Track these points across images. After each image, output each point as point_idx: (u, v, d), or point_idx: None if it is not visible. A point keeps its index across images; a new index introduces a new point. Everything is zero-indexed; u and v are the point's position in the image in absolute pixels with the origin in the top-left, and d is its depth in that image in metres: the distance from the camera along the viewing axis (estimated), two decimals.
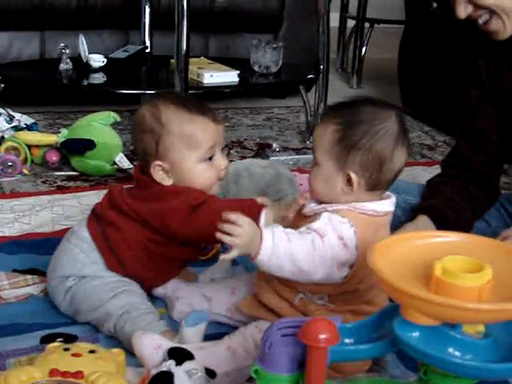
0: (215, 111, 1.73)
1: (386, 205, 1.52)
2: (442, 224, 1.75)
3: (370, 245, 1.40)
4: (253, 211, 1.60)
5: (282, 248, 1.41)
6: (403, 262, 1.20)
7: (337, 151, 1.48)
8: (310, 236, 1.44)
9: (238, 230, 1.40)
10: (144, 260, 1.72)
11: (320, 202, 1.54)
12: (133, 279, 1.73)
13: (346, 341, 1.26)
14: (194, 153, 1.68)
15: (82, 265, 1.72)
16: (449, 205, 1.86)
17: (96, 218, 1.75)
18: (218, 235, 1.41)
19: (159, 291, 1.81)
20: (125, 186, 1.79)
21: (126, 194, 1.74)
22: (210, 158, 1.70)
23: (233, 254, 1.42)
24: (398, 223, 1.87)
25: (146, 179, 1.72)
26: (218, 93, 3.34)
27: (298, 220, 1.56)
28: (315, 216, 1.51)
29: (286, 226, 1.50)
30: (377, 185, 1.50)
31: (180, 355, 1.46)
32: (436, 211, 1.84)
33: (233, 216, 1.41)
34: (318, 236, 1.44)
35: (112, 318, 1.66)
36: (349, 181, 1.48)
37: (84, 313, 1.71)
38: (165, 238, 1.69)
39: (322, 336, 1.18)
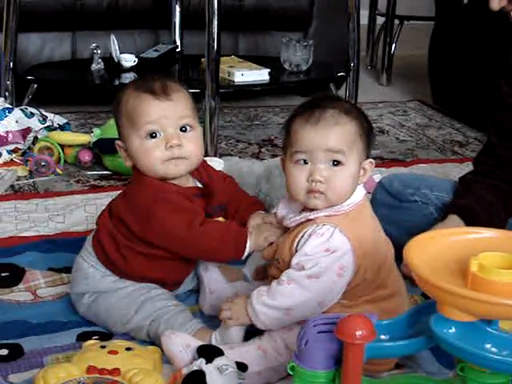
0: (172, 87, 1.65)
1: (361, 190, 1.55)
2: (472, 223, 1.74)
3: (359, 236, 1.48)
4: (239, 240, 1.64)
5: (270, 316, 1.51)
6: (439, 258, 1.19)
7: (361, 144, 1.50)
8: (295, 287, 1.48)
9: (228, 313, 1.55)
10: (144, 264, 1.69)
11: (302, 210, 1.55)
12: (148, 282, 1.71)
13: (382, 337, 1.26)
14: (135, 129, 1.64)
15: (94, 279, 1.71)
16: (480, 204, 1.85)
17: (96, 228, 1.75)
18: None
19: (200, 272, 1.80)
20: None
21: (120, 195, 1.74)
22: (153, 136, 1.63)
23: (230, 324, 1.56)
24: (431, 220, 1.87)
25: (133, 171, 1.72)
26: (249, 91, 3.34)
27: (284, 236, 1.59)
28: (300, 228, 1.52)
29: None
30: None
31: (209, 352, 1.46)
32: (466, 211, 1.83)
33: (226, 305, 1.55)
34: (312, 280, 1.47)
35: (143, 329, 1.65)
36: (363, 170, 1.53)
37: (112, 328, 1.69)
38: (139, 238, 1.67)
39: (359, 332, 1.18)
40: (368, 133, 1.53)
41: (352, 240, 1.47)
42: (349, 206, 1.51)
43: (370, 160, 1.54)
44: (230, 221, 1.74)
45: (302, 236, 1.51)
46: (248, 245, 1.64)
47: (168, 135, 1.64)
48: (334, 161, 1.48)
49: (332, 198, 1.49)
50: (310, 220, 1.51)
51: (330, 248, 1.47)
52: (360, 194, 1.54)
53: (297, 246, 1.51)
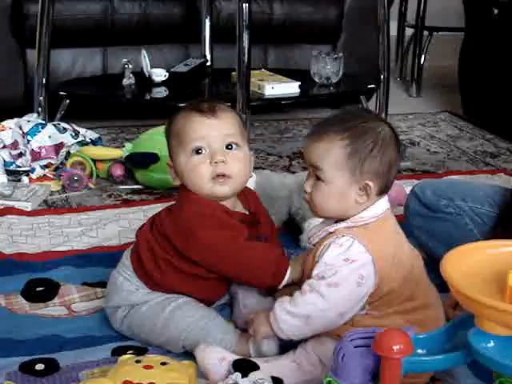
0: (220, 107, 1.69)
1: (383, 204, 1.55)
2: None
3: (379, 247, 1.49)
4: (280, 265, 1.66)
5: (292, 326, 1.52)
6: (476, 271, 1.19)
7: (350, 164, 1.50)
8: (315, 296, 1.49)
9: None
10: (179, 280, 1.69)
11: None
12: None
13: (419, 351, 1.25)
14: (182, 147, 1.66)
15: (128, 293, 1.71)
16: None
17: (136, 241, 1.76)
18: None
19: (234, 287, 1.80)
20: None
21: (164, 210, 1.75)
22: (199, 152, 1.65)
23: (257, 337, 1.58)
24: (467, 231, 1.86)
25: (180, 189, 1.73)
26: (279, 104, 3.35)
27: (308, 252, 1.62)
28: (322, 241, 1.54)
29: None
30: (386, 188, 1.54)
31: (245, 367, 1.47)
32: None
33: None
34: (331, 289, 1.48)
35: (177, 343, 1.64)
36: (362, 190, 1.51)
37: (147, 340, 1.69)
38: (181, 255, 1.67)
39: (396, 347, 1.17)
40: (365, 156, 1.50)
41: (371, 250, 1.49)
42: (369, 218, 1.52)
43: (366, 182, 1.51)
44: (275, 247, 1.75)
45: (323, 248, 1.53)
46: (288, 273, 1.65)
47: (213, 151, 1.65)
48: (316, 176, 1.53)
49: (314, 208, 1.56)
50: (332, 233, 1.53)
51: (349, 258, 1.49)
52: (381, 207, 1.54)
53: (318, 258, 1.54)
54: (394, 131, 1.55)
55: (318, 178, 1.52)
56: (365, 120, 1.54)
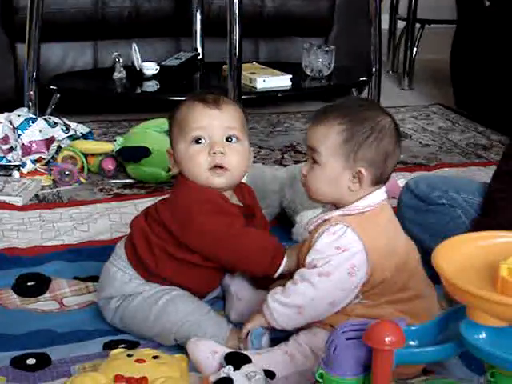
0: (225, 100, 1.71)
1: (380, 194, 1.55)
2: None
3: (372, 236, 1.49)
4: (277, 253, 1.66)
5: (283, 317, 1.55)
6: (467, 262, 1.18)
7: (345, 150, 1.50)
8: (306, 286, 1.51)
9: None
10: (174, 268, 1.69)
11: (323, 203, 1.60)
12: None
13: (411, 343, 1.25)
14: (183, 135, 1.67)
15: (121, 283, 1.70)
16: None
17: (130, 231, 1.76)
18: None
19: (226, 279, 1.80)
20: None
21: (159, 201, 1.75)
22: (199, 141, 1.66)
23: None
24: (459, 224, 1.86)
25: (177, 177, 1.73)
26: (271, 97, 3.34)
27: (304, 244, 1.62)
28: (317, 229, 1.55)
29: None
30: (381, 179, 1.54)
31: (237, 360, 1.47)
32: None
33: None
34: (323, 278, 1.49)
35: (169, 336, 1.64)
36: (355, 177, 1.51)
37: (139, 333, 1.69)
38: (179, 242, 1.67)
39: (388, 339, 1.17)
40: (360, 142, 1.50)
41: (364, 239, 1.49)
42: (363, 207, 1.52)
43: (358, 169, 1.51)
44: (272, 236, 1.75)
45: (317, 235, 1.53)
46: (284, 261, 1.65)
47: (213, 142, 1.66)
48: (313, 159, 1.54)
49: (309, 192, 1.57)
50: (327, 220, 1.54)
51: (341, 246, 1.49)
52: (378, 198, 1.54)
53: (312, 245, 1.54)
54: (395, 123, 1.55)
55: (315, 162, 1.53)
56: (366, 108, 1.55)
